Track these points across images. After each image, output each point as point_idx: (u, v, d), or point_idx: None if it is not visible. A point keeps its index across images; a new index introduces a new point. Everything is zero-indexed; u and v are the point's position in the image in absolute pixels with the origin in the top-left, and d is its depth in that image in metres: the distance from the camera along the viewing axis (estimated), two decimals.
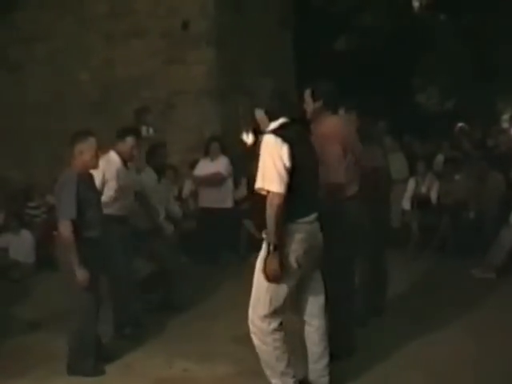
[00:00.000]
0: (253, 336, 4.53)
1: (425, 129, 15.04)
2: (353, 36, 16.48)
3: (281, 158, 4.28)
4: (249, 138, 10.90)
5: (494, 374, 5.05)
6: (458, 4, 17.78)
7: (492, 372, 5.09)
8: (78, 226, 5.25)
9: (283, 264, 4.30)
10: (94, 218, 5.42)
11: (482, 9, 17.20)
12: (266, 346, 4.46)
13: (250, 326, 4.53)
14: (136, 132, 6.71)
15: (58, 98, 11.97)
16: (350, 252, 5.40)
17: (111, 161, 6.33)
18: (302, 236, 4.42)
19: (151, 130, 11.60)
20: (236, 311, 5.43)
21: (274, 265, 4.28)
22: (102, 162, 5.94)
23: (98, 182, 5.93)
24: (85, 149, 5.40)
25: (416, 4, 20.35)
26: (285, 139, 4.31)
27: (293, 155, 4.30)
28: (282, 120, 4.52)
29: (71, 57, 11.88)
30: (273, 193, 4.27)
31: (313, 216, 4.52)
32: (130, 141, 6.36)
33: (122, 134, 6.40)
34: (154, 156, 7.43)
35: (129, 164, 6.49)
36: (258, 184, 4.37)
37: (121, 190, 6.31)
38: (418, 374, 5.09)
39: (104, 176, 6.16)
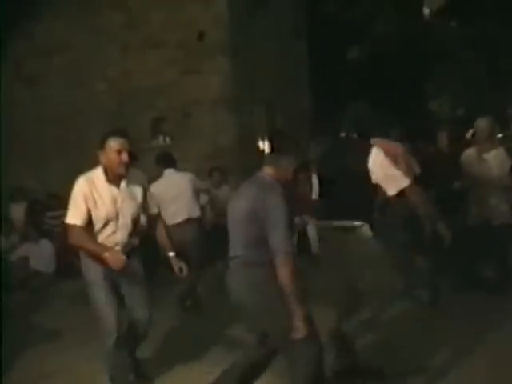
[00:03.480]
0: None
1: (437, 135, 15.02)
2: (364, 44, 16.52)
3: None
4: (265, 146, 10.98)
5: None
6: (468, 11, 17.80)
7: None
8: None
9: None
10: None
11: (494, 15, 17.21)
12: None
13: None
14: None
15: (75, 109, 12.12)
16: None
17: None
18: None
19: (168, 139, 11.76)
20: None
21: None
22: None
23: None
24: None
25: (426, 11, 20.34)
26: None
27: None
28: None
29: (88, 68, 12.05)
30: None
31: None
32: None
33: None
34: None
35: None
36: None
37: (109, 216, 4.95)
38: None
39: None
